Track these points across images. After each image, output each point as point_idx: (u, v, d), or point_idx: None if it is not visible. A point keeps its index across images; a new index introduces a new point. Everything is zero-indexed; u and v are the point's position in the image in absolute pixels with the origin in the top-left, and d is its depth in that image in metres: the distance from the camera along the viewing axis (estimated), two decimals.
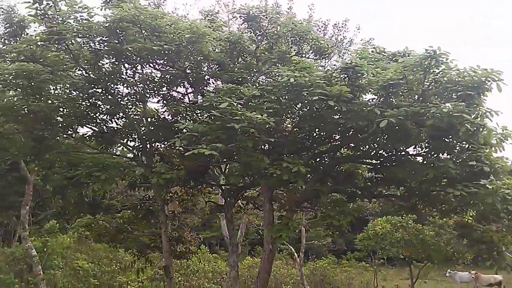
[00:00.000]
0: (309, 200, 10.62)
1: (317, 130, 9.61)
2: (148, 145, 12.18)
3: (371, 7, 76.23)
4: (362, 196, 10.58)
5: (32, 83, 9.88)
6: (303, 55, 11.00)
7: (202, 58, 10.07)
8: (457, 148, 9.56)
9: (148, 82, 12.14)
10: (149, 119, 12.57)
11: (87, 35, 9.78)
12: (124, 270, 28.29)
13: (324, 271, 30.40)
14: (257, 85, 10.32)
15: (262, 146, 9.08)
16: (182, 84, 12.13)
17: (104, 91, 10.90)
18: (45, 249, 20.94)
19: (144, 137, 12.22)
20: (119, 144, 13.21)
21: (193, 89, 12.50)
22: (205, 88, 11.93)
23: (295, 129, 9.76)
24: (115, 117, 12.53)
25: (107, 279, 25.07)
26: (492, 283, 34.15)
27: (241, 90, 8.83)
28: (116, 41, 9.77)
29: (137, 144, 12.79)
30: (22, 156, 11.21)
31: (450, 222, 18.69)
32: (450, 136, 9.25)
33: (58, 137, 11.51)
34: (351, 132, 9.57)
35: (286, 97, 8.92)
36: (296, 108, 9.12)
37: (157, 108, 13.61)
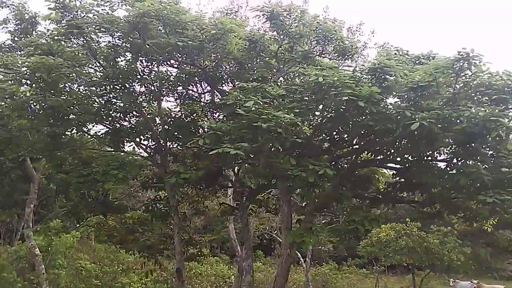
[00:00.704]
0: (329, 204, 10.34)
1: (340, 132, 9.31)
2: (163, 145, 11.90)
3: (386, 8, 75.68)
4: (384, 201, 10.28)
5: (51, 77, 9.62)
6: (326, 56, 10.74)
7: (224, 56, 9.76)
8: (485, 154, 9.31)
9: (164, 81, 11.90)
10: (164, 118, 12.29)
11: (108, 30, 9.53)
12: (126, 272, 28.02)
13: (326, 277, 30.13)
14: (278, 85, 10.07)
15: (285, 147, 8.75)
16: (199, 82, 11.84)
17: (121, 88, 10.60)
18: (49, 249, 20.60)
19: (159, 136, 11.95)
20: (130, 143, 12.93)
21: (209, 88, 12.25)
22: (221, 87, 11.69)
23: (316, 131, 9.47)
24: (128, 115, 12.29)
25: (108, 280, 24.76)
26: None
27: (266, 89, 8.56)
28: (137, 37, 9.51)
29: (151, 143, 12.55)
30: (35, 153, 10.90)
31: (455, 231, 18.29)
32: (476, 142, 9.00)
33: (72, 134, 11.21)
34: (374, 135, 9.28)
35: (312, 97, 8.64)
36: (320, 109, 8.82)
37: (170, 107, 13.42)
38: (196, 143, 7.96)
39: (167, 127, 12.07)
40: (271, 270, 27.18)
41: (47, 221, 27.56)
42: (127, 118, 12.31)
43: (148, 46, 9.46)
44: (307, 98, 8.79)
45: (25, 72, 9.44)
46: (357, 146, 9.86)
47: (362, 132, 8.80)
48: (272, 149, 8.18)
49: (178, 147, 12.17)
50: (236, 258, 19.79)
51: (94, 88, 11.49)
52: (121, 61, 10.78)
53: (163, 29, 9.13)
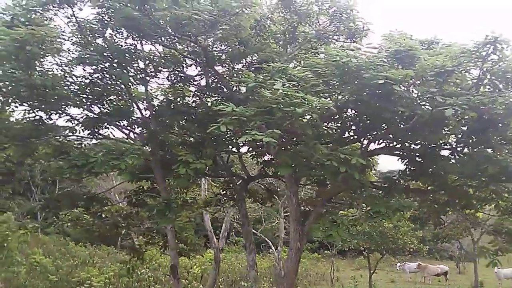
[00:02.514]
0: (341, 194, 9.86)
1: (367, 118, 8.76)
2: (154, 131, 10.81)
3: None
4: (396, 190, 9.94)
5: (26, 53, 8.26)
6: (340, 36, 10.11)
7: (234, 34, 8.84)
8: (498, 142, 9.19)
9: (154, 60, 10.81)
10: (156, 102, 11.20)
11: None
12: (82, 266, 26.41)
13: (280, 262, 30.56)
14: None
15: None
16: (195, 63, 10.82)
17: (116, 67, 9.41)
18: (5, 244, 18.77)
19: (150, 121, 10.86)
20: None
21: (201, 69, 11.26)
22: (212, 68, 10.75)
23: (340, 117, 8.88)
24: (111, 97, 11.10)
25: (65, 275, 23.23)
26: (439, 273, 35.83)
27: (291, 71, 7.81)
28: (136, 8, 8.36)
29: (137, 129, 11.44)
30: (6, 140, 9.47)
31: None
32: (494, 129, 8.84)
33: (53, 120, 9.88)
34: (397, 122, 8.84)
35: (338, 79, 7.99)
36: (346, 93, 8.20)
37: (156, 89, 12.30)
38: (218, 129, 7.06)
39: (154, 112, 10.98)
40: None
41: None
42: (109, 101, 11.12)
43: (149, 19, 8.35)
44: (331, 82, 8.14)
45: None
46: (375, 133, 9.36)
47: (393, 118, 8.27)
48: (308, 137, 7.47)
49: (171, 134, 11.12)
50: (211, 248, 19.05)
51: (74, 67, 10.24)
52: (111, 36, 9.59)
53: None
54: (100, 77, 10.13)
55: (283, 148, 7.79)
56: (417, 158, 9.83)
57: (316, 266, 39.71)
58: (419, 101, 8.15)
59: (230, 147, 10.98)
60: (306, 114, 7.20)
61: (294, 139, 7.88)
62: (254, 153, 12.21)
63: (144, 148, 10.70)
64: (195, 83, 11.65)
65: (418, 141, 9.59)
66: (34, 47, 7.76)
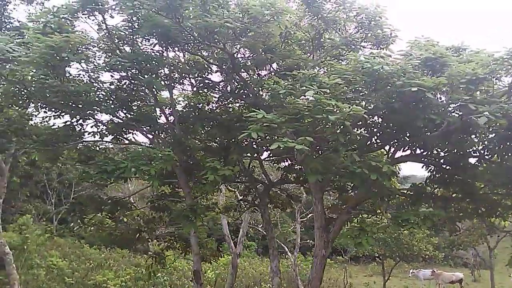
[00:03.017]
0: (366, 202, 9.80)
1: (399, 126, 8.70)
2: (178, 137, 10.87)
3: None
4: (424, 198, 9.85)
5: (56, 60, 8.37)
6: (369, 43, 10.07)
7: (262, 41, 8.86)
8: None
9: (179, 66, 10.89)
10: (179, 107, 11.26)
11: (131, 7, 8.37)
12: (97, 268, 26.55)
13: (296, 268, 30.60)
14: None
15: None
16: (221, 70, 10.87)
17: (144, 74, 9.49)
18: (25, 247, 18.95)
19: (174, 127, 10.92)
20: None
21: (226, 76, 11.30)
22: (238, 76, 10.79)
23: (370, 124, 8.83)
24: (137, 103, 11.20)
25: (80, 277, 23.38)
26: (454, 280, 35.34)
27: (321, 78, 7.81)
28: (166, 15, 8.42)
29: (162, 135, 11.50)
30: (37, 144, 9.59)
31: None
32: None
33: (82, 126, 9.99)
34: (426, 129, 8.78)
35: (368, 86, 7.97)
36: (377, 100, 8.16)
37: (181, 96, 12.40)
38: (248, 135, 7.07)
39: (180, 117, 11.05)
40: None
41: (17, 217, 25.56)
42: (134, 107, 11.22)
43: (179, 27, 8.41)
44: (360, 89, 8.12)
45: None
46: (401, 140, 9.29)
47: (424, 126, 8.22)
48: (332, 143, 7.46)
49: (195, 139, 11.18)
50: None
51: (102, 73, 10.37)
52: (140, 44, 9.69)
53: (200, 7, 8.07)
54: (127, 83, 10.23)
55: (309, 155, 7.79)
56: (444, 166, 9.74)
57: (328, 272, 39.49)
58: (450, 109, 8.09)
59: (255, 153, 10.98)
60: (344, 122, 7.16)
61: (322, 146, 7.83)
62: (275, 159, 12.22)
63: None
64: (219, 89, 11.71)
65: (446, 148, 9.52)
66: (69, 54, 7.85)
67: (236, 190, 14.40)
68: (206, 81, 11.27)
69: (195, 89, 11.50)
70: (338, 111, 7.04)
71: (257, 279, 26.31)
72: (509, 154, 9.21)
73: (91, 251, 33.19)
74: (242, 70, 10.66)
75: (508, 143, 9.08)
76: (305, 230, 30.86)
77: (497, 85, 9.02)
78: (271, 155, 11.88)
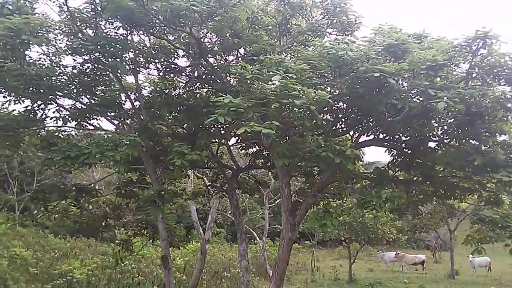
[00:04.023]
0: (331, 185, 10.03)
1: (360, 111, 8.91)
2: (144, 123, 10.74)
3: None
4: (386, 181, 10.17)
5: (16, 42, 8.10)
6: (334, 29, 10.19)
7: (230, 25, 8.82)
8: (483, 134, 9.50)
9: (145, 50, 10.72)
10: (145, 93, 11.11)
11: None
12: (62, 258, 26.06)
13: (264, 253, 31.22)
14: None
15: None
16: (187, 54, 10.77)
17: (100, 58, 9.30)
18: None
19: (140, 113, 10.79)
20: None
21: (193, 61, 11.21)
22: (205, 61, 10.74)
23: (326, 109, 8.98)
24: (100, 88, 10.98)
25: (45, 267, 22.90)
26: (417, 262, 36.82)
27: (287, 63, 7.89)
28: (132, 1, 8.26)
29: (127, 121, 11.34)
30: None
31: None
32: (481, 121, 9.13)
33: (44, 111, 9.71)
34: (388, 114, 9.04)
35: (336, 72, 8.11)
36: (341, 86, 8.33)
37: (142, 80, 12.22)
38: (215, 120, 7.08)
39: (149, 103, 10.92)
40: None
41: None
42: (98, 92, 10.99)
43: (143, 10, 8.27)
44: (326, 74, 8.26)
45: None
46: (365, 125, 9.54)
47: (382, 111, 8.45)
48: (299, 129, 7.58)
49: (162, 125, 11.08)
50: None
51: (64, 57, 10.09)
52: (104, 27, 9.47)
53: None
54: (90, 67, 10.00)
55: (277, 140, 7.89)
56: (405, 150, 10.07)
57: (296, 256, 40.25)
58: (410, 94, 8.35)
59: (222, 139, 11.01)
60: (304, 106, 7.29)
61: (289, 131, 7.96)
62: (243, 144, 12.29)
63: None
64: (186, 74, 11.62)
65: (408, 133, 9.83)
66: (29, 37, 7.60)
67: (204, 176, 14.36)
68: (173, 66, 11.15)
69: (161, 74, 11.35)
70: (304, 96, 7.15)
71: (226, 264, 26.48)
72: (467, 138, 9.65)
73: (55, 241, 32.49)
74: (209, 55, 10.61)
75: (465, 128, 9.50)
76: (274, 215, 31.24)
77: (456, 72, 9.43)
78: (239, 140, 11.93)
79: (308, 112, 7.29)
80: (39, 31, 8.23)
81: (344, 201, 10.08)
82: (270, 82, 7.66)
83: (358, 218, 28.08)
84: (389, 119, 9.14)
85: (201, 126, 9.98)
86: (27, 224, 35.56)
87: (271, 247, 32.97)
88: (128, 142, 8.16)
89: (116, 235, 25.25)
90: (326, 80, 8.11)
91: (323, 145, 7.64)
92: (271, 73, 7.51)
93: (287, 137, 8.75)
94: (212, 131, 10.09)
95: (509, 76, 8.48)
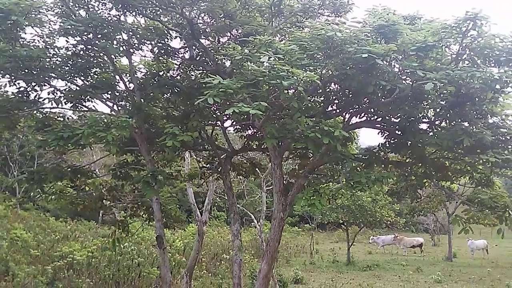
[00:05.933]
0: (323, 166, 10.13)
1: (350, 93, 8.96)
2: (138, 105, 10.81)
3: None
4: (376, 162, 10.29)
5: (7, 23, 8.15)
6: (326, 10, 10.19)
7: (220, 6, 8.83)
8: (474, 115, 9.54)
9: (139, 31, 10.73)
10: (139, 75, 11.15)
11: None
12: (63, 240, 26.45)
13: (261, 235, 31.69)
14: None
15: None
16: (180, 36, 10.78)
17: (92, 39, 9.33)
18: None
19: (134, 94, 10.85)
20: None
21: (186, 42, 11.22)
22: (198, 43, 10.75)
23: (321, 91, 9.03)
24: (94, 69, 11.02)
25: (46, 249, 23.27)
26: (415, 245, 37.22)
27: (277, 44, 7.92)
28: None
29: (121, 102, 11.42)
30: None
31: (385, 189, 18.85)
32: (471, 103, 9.17)
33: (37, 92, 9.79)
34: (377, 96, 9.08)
35: (323, 53, 8.12)
36: (331, 67, 8.35)
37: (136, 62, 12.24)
38: (205, 101, 7.15)
39: (143, 85, 10.98)
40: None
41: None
42: (92, 74, 11.05)
43: None
44: (317, 56, 8.27)
45: None
46: (357, 107, 9.60)
47: (371, 92, 8.47)
48: (288, 110, 7.65)
49: (155, 107, 11.16)
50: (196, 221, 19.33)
51: (57, 38, 10.13)
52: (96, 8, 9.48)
53: None
54: (83, 48, 10.05)
55: (268, 121, 7.96)
56: (396, 132, 10.14)
57: (296, 239, 40.71)
58: (400, 76, 8.39)
59: (215, 120, 11.10)
60: (292, 87, 7.35)
61: (280, 112, 8.03)
62: (238, 126, 12.37)
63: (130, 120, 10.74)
64: (180, 56, 11.65)
65: (398, 115, 9.89)
66: (20, 18, 7.64)
67: (200, 159, 14.49)
68: (166, 47, 11.16)
69: (155, 56, 11.37)
70: (292, 77, 7.20)
71: (225, 246, 26.82)
72: (457, 120, 9.70)
73: (56, 224, 32.96)
74: (202, 36, 10.64)
75: (456, 109, 9.55)
76: (271, 198, 31.48)
77: (447, 53, 9.43)
78: (233, 122, 12.02)
79: (296, 93, 7.34)
80: (30, 12, 8.25)
81: (336, 182, 10.19)
82: (261, 63, 7.69)
83: (357, 201, 28.38)
84: (380, 100, 9.20)
85: (193, 107, 10.04)
86: (29, 208, 36.02)
87: (269, 229, 33.19)
88: (119, 123, 8.22)
89: (116, 218, 25.54)
90: (316, 61, 8.12)
91: (311, 125, 7.70)
92: (259, 54, 7.54)
93: (277, 118, 8.81)
94: (205, 113, 10.16)
95: (498, 57, 8.49)
